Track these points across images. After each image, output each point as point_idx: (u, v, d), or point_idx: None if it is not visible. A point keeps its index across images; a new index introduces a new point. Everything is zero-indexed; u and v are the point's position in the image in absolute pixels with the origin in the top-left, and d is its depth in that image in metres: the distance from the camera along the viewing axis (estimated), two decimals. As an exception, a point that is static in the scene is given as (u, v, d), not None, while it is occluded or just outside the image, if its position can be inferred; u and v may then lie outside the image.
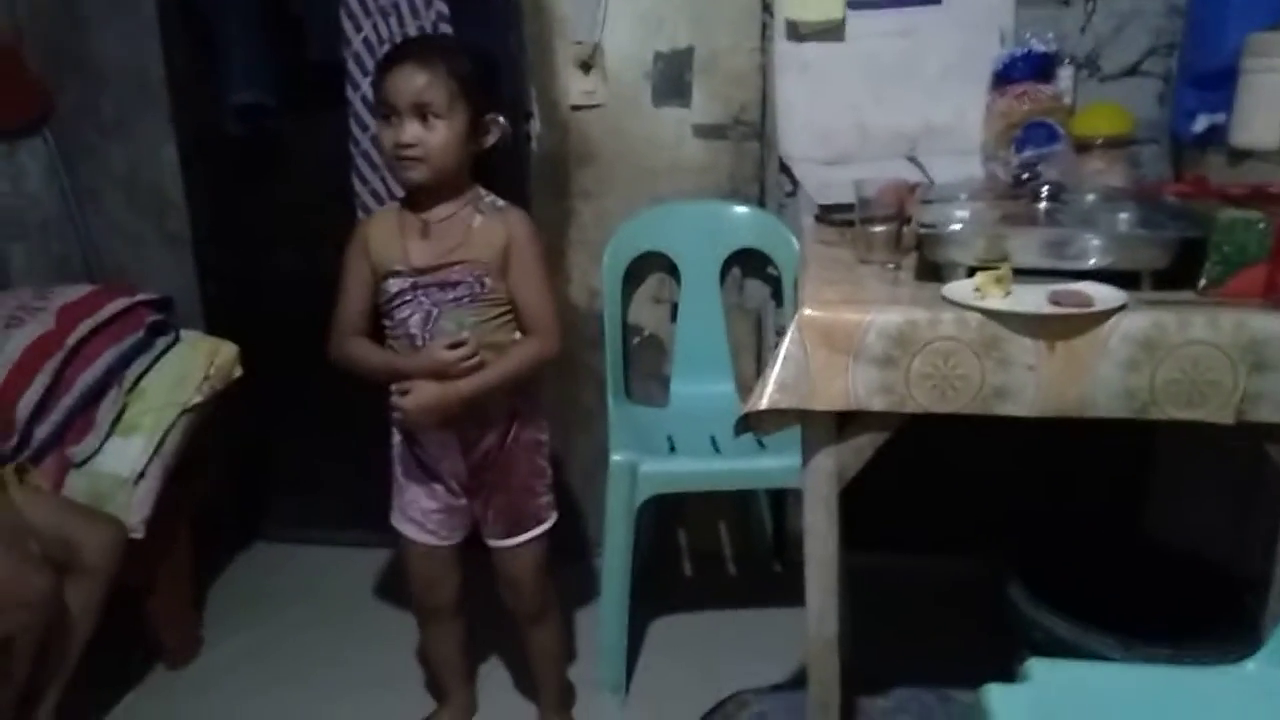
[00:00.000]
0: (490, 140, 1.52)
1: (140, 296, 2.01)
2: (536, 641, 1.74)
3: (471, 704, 1.87)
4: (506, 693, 1.93)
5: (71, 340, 1.84)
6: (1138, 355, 1.21)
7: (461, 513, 1.65)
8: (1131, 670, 1.28)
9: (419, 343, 1.51)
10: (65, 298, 1.93)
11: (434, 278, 1.50)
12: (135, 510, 1.78)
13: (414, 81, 1.42)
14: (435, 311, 1.50)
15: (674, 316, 2.21)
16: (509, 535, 1.62)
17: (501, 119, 1.52)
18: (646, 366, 2.25)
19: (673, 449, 1.97)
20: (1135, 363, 1.21)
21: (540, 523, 1.64)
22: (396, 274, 1.51)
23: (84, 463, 1.78)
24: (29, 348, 1.80)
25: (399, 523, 1.66)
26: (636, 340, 2.24)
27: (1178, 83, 1.86)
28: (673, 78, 2.08)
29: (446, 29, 1.99)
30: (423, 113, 1.43)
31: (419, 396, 1.48)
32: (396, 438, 1.63)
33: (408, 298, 1.51)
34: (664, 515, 2.30)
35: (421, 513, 1.64)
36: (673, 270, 2.18)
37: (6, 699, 1.57)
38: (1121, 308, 1.22)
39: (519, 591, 1.67)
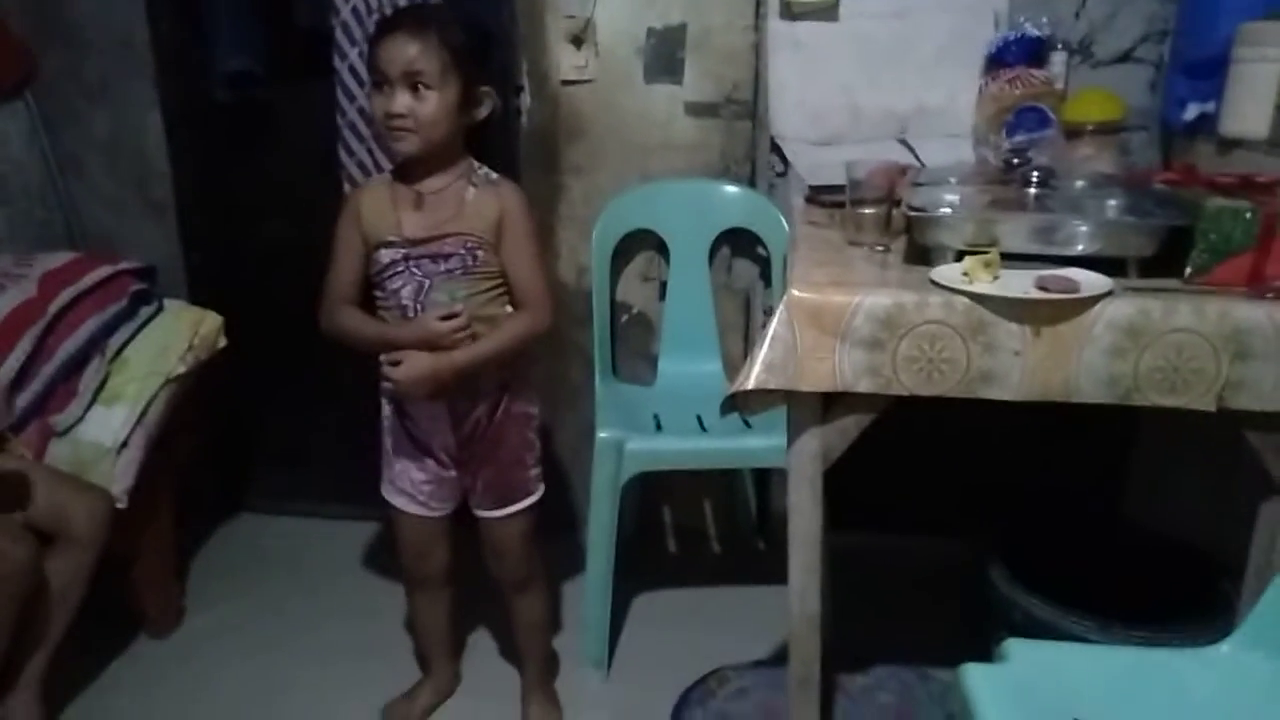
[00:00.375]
0: (483, 112, 1.51)
1: (124, 265, 1.98)
2: (521, 611, 1.76)
3: (454, 677, 1.88)
4: (491, 664, 1.94)
5: (54, 308, 1.82)
6: (1122, 342, 1.22)
7: (451, 484, 1.65)
8: (1108, 651, 1.30)
9: (410, 314, 1.51)
10: (47, 265, 1.90)
11: (426, 249, 1.49)
12: (118, 479, 1.77)
13: (406, 51, 1.41)
14: (427, 283, 1.50)
15: (662, 295, 2.20)
16: (497, 506, 1.63)
17: (493, 91, 1.51)
18: (634, 344, 2.25)
19: (659, 427, 1.98)
20: (1120, 349, 1.22)
21: (528, 495, 1.65)
22: (389, 245, 1.50)
23: (66, 431, 1.77)
24: (10, 315, 1.78)
25: (389, 494, 1.67)
26: (624, 318, 2.24)
27: (1169, 70, 1.86)
28: (665, 54, 2.06)
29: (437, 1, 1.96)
30: (414, 83, 1.42)
31: (411, 367, 1.47)
32: (387, 410, 1.63)
33: (400, 269, 1.50)
34: (649, 492, 2.31)
35: (412, 484, 1.64)
36: (662, 248, 2.17)
37: None
38: (1108, 294, 1.22)
39: (504, 560, 1.68)
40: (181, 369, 1.89)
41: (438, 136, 1.45)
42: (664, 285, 2.20)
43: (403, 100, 1.42)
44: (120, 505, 1.77)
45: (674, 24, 2.04)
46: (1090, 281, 1.24)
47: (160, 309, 1.97)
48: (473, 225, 1.50)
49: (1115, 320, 1.21)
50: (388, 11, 1.94)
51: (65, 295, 1.84)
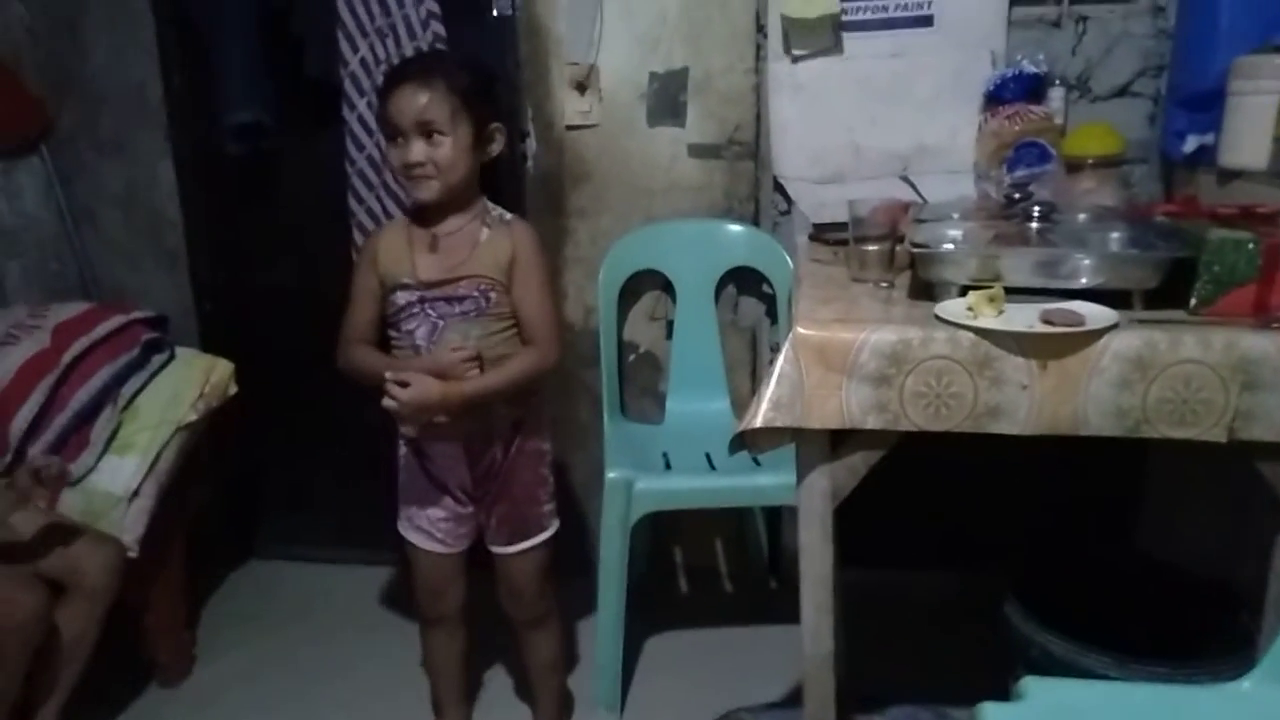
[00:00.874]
0: (495, 149, 1.54)
1: (136, 314, 2.01)
2: (535, 651, 1.75)
3: (467, 722, 1.86)
4: (504, 708, 1.92)
5: (67, 358, 1.84)
6: (1129, 374, 1.22)
7: (467, 520, 1.66)
8: (1127, 688, 1.28)
9: (424, 354, 1.53)
10: (61, 316, 1.93)
11: (441, 291, 1.52)
12: (129, 528, 1.77)
13: (416, 101, 1.44)
14: (441, 324, 1.52)
15: (669, 334, 2.21)
16: (512, 542, 1.64)
17: (502, 126, 1.54)
18: (642, 383, 2.26)
19: (668, 466, 1.97)
20: (1127, 381, 1.22)
21: (543, 530, 1.66)
22: (404, 287, 1.53)
23: (79, 480, 1.78)
24: (24, 365, 1.80)
25: (406, 530, 1.67)
26: (632, 357, 2.25)
27: (1167, 104, 1.88)
28: (668, 98, 2.09)
29: (443, 50, 2.00)
30: (427, 131, 1.45)
31: (417, 390, 1.47)
32: (404, 450, 1.64)
33: (415, 310, 1.53)
34: (660, 532, 2.30)
35: (429, 521, 1.65)
36: (668, 288, 2.19)
37: None
38: (1113, 326, 1.22)
39: (520, 598, 1.68)
40: (193, 416, 1.90)
41: (456, 179, 1.49)
42: (670, 324, 2.21)
43: (419, 149, 1.46)
44: (132, 554, 1.77)
45: (676, 68, 2.07)
46: (1095, 314, 1.24)
47: (172, 357, 1.99)
48: (486, 267, 1.52)
49: (1122, 352, 1.21)
50: (395, 62, 1.99)
51: (78, 345, 1.86)
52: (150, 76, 2.24)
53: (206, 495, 2.12)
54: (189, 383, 1.93)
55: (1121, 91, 1.94)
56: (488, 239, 1.53)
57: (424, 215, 1.55)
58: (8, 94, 2.21)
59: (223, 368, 2.00)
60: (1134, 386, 1.22)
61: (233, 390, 2.02)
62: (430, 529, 1.65)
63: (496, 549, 1.66)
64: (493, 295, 1.52)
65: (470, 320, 1.52)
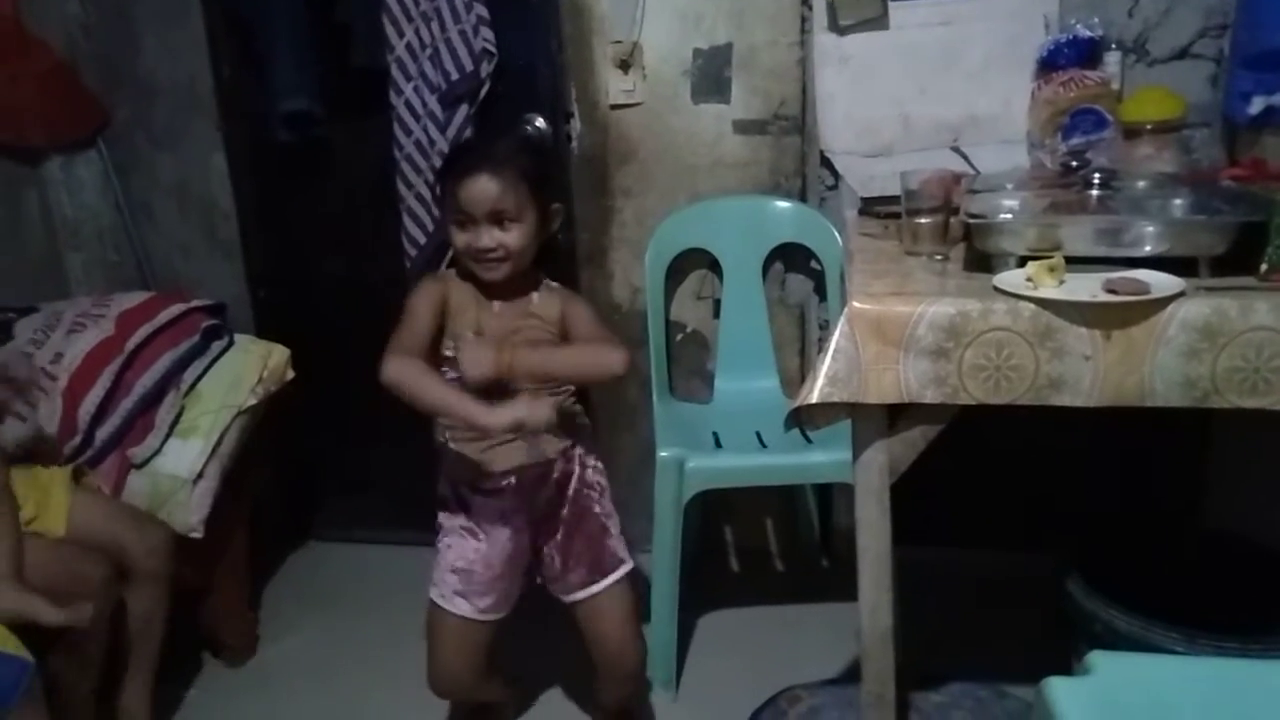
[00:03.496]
0: (555, 226, 1.56)
1: (195, 302, 2.06)
2: (621, 691, 1.68)
3: (515, 705, 1.87)
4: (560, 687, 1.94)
5: (131, 345, 1.89)
6: (1198, 343, 1.19)
7: (511, 580, 1.57)
8: (1197, 663, 1.25)
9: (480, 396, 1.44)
10: (124, 304, 1.98)
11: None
12: (194, 510, 1.82)
13: (489, 192, 1.45)
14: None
15: (716, 313, 2.21)
16: (590, 582, 1.56)
17: (562, 207, 1.56)
18: (690, 363, 2.26)
19: (718, 445, 1.97)
20: (1195, 350, 1.19)
21: (621, 564, 1.58)
22: (465, 335, 1.51)
23: (144, 463, 1.83)
24: (91, 352, 1.85)
25: (437, 596, 1.57)
26: (679, 337, 2.25)
27: (1231, 65, 1.82)
28: (712, 74, 2.08)
29: (487, 32, 2.01)
30: (499, 219, 1.47)
31: (477, 349, 1.43)
32: (444, 516, 1.58)
33: None
34: (709, 512, 2.30)
35: (474, 577, 1.55)
36: (715, 266, 2.18)
37: (84, 692, 1.62)
38: (1180, 294, 1.20)
39: (609, 648, 1.57)
40: (252, 401, 1.94)
41: (524, 262, 1.51)
42: (718, 303, 2.20)
43: (490, 236, 1.47)
44: (197, 535, 1.82)
45: (720, 43, 2.05)
46: (1161, 282, 1.22)
47: (231, 344, 2.03)
48: (541, 322, 1.55)
49: (1189, 321, 1.19)
50: (440, 49, 2.00)
51: (141, 332, 1.91)
52: (200, 69, 2.28)
53: (266, 478, 2.16)
54: (248, 368, 1.96)
55: (1182, 54, 1.88)
56: (540, 300, 1.56)
57: (485, 285, 1.53)
58: (68, 92, 2.27)
59: (279, 353, 2.04)
60: (1202, 356, 1.19)
61: (289, 375, 2.05)
62: (472, 585, 1.54)
63: (573, 596, 1.56)
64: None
65: None
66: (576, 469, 1.59)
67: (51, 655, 1.48)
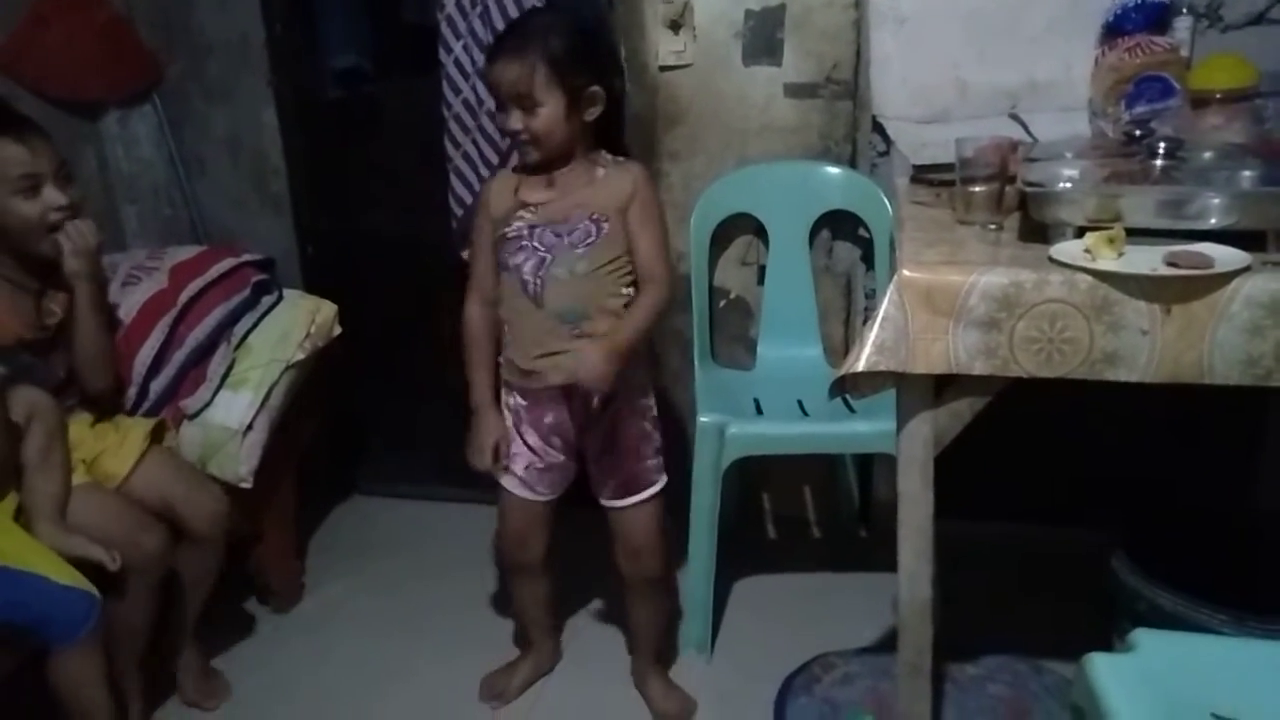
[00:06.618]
0: (595, 112, 1.54)
1: (246, 257, 2.09)
2: (643, 608, 1.76)
3: (555, 654, 1.92)
4: (596, 642, 1.97)
5: (183, 298, 1.93)
6: (1262, 320, 1.15)
7: (561, 470, 1.69)
8: (1244, 644, 1.23)
9: (530, 290, 1.55)
10: (177, 257, 2.01)
11: (552, 222, 1.55)
12: (244, 460, 1.86)
13: (508, 74, 1.48)
14: (549, 258, 1.55)
15: (761, 279, 2.19)
16: (620, 496, 1.66)
17: (600, 90, 1.53)
18: (733, 329, 2.25)
19: (759, 412, 1.97)
20: (1259, 327, 1.16)
21: (650, 485, 1.66)
22: (516, 219, 1.57)
23: (196, 415, 1.87)
24: (145, 304, 1.89)
25: (502, 477, 1.70)
26: (723, 303, 2.23)
27: (1309, 31, 1.74)
28: (764, 36, 2.04)
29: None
30: (522, 102, 1.48)
31: (589, 365, 1.49)
32: (505, 396, 1.68)
33: (523, 243, 1.56)
34: (747, 480, 2.30)
35: (523, 467, 1.68)
36: (760, 232, 2.16)
37: (131, 651, 1.68)
38: (1245, 269, 1.16)
39: (636, 555, 1.68)
40: (300, 355, 1.97)
41: (554, 144, 1.52)
42: (762, 269, 2.18)
43: (515, 118, 1.50)
44: (246, 485, 1.86)
45: (773, 4, 2.02)
46: (1225, 256, 1.18)
47: (280, 298, 2.05)
48: (601, 200, 1.55)
49: (1254, 296, 1.15)
50: (490, 7, 1.98)
51: (194, 286, 1.95)
52: (253, 24, 2.29)
53: (312, 432, 2.20)
54: (296, 323, 1.99)
55: (1258, 19, 1.81)
56: (605, 175, 1.56)
57: (536, 167, 1.57)
58: (125, 48, 2.30)
59: (327, 309, 2.06)
60: (1266, 333, 1.16)
61: (337, 331, 2.08)
62: (523, 475, 1.68)
63: (606, 503, 1.67)
64: (605, 227, 1.54)
65: (577, 254, 1.53)
66: (620, 394, 1.61)
67: (107, 599, 1.53)
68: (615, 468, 1.64)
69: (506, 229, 1.57)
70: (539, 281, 1.55)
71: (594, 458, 1.66)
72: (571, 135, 1.52)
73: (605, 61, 1.58)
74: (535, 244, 1.55)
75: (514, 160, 2.06)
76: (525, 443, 1.66)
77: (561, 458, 1.67)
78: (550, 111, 1.49)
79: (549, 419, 1.64)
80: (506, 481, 1.70)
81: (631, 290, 1.59)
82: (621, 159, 1.60)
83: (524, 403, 1.64)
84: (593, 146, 1.58)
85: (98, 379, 1.71)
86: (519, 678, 1.86)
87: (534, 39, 1.48)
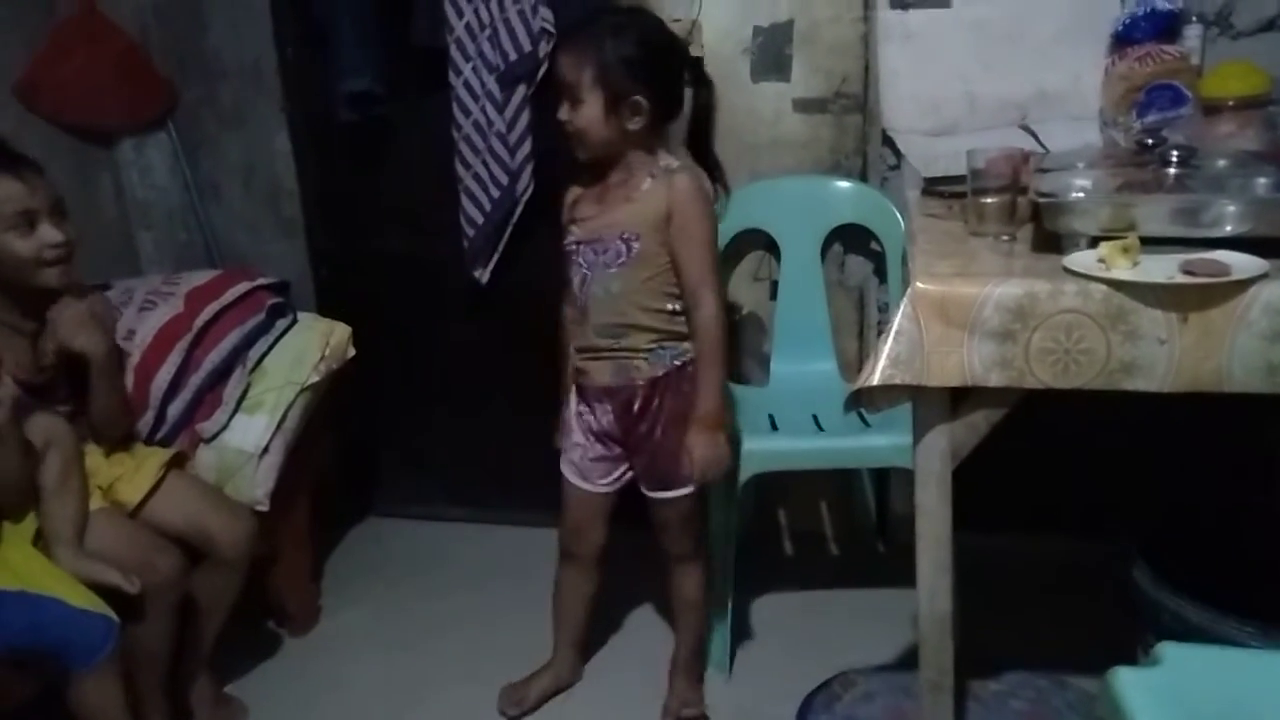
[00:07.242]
0: (635, 124, 1.54)
1: (260, 280, 2.09)
2: (680, 584, 1.78)
3: (576, 669, 1.91)
4: (618, 664, 1.96)
5: (199, 322, 1.93)
6: (1281, 327, 1.14)
7: (614, 463, 1.74)
8: (1273, 657, 1.21)
9: (579, 303, 1.63)
10: (193, 282, 2.03)
11: (590, 241, 1.60)
12: (260, 483, 1.86)
13: (561, 65, 1.54)
14: (589, 275, 1.60)
15: (773, 294, 2.19)
16: (656, 490, 1.71)
17: (642, 102, 1.52)
18: (746, 345, 2.24)
19: (774, 428, 1.96)
20: (1278, 335, 1.14)
21: (684, 485, 1.69)
22: (569, 233, 1.64)
23: (213, 438, 1.88)
24: (162, 329, 1.91)
25: (562, 464, 1.77)
26: (735, 319, 2.23)
27: (1321, 37, 1.74)
28: (772, 51, 2.05)
29: (546, 11, 2.00)
30: (568, 93, 1.52)
31: (701, 458, 1.59)
32: (573, 403, 1.74)
33: (574, 258, 1.63)
34: (763, 496, 2.29)
35: (580, 457, 1.74)
36: (772, 248, 2.16)
37: (151, 676, 1.67)
38: (1263, 276, 1.15)
39: (669, 532, 1.74)
40: (315, 378, 1.97)
41: (594, 143, 1.55)
42: (774, 285, 2.18)
43: (562, 110, 1.54)
44: (262, 508, 1.86)
45: (781, 20, 2.03)
46: (1242, 263, 1.17)
47: (294, 321, 2.06)
48: (634, 218, 1.56)
49: (1273, 303, 1.14)
50: (499, 29, 2.00)
51: (209, 310, 1.96)
52: (266, 50, 2.31)
53: (328, 454, 2.21)
54: (311, 346, 2.00)
55: (1269, 25, 1.80)
56: (646, 191, 1.57)
57: (594, 168, 1.62)
58: (141, 76, 2.32)
59: (341, 331, 2.07)
60: (1286, 340, 1.14)
61: (351, 353, 2.08)
62: (580, 464, 1.74)
63: (646, 492, 1.72)
64: (636, 246, 1.56)
65: (610, 273, 1.58)
66: (657, 399, 1.64)
67: (125, 624, 1.53)
68: (652, 465, 1.69)
69: (564, 241, 1.64)
70: (584, 296, 1.61)
71: (637, 453, 1.70)
72: (612, 139, 1.55)
73: (663, 76, 1.57)
74: (580, 260, 1.61)
75: (525, 179, 2.10)
76: (580, 433, 1.73)
77: (614, 451, 1.72)
78: (589, 111, 1.52)
79: (597, 414, 1.69)
80: (564, 468, 1.76)
81: (677, 304, 1.60)
82: (675, 165, 1.59)
83: (578, 397, 1.72)
84: (647, 152, 1.58)
85: (112, 431, 1.72)
86: (538, 688, 1.86)
87: (594, 37, 1.51)
